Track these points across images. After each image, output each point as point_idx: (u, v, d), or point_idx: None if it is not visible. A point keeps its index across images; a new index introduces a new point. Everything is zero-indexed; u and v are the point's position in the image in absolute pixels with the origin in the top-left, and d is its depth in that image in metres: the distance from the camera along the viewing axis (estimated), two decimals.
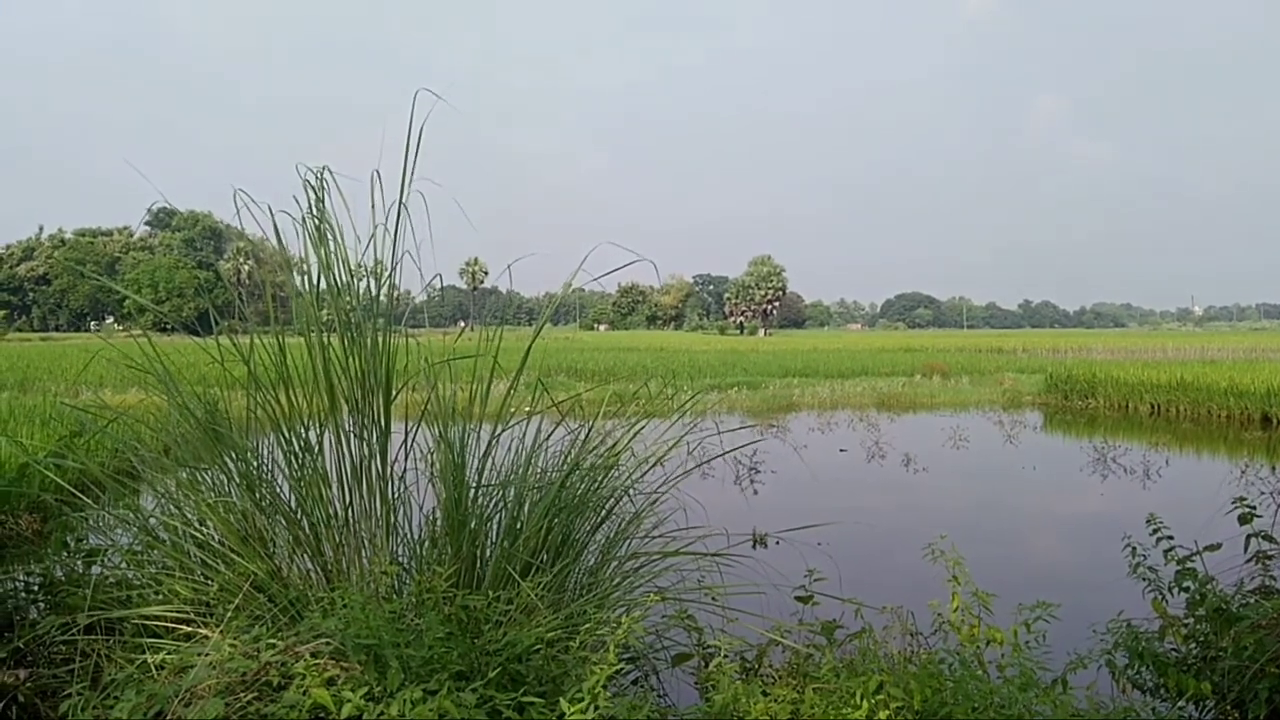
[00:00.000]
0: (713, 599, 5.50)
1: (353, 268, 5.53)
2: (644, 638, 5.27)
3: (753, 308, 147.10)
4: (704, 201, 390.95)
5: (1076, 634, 5.03)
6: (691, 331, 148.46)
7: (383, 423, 5.31)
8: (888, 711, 3.38)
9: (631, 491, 6.06)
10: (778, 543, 8.83)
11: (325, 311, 5.60)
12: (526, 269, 6.16)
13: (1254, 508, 5.43)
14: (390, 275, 5.63)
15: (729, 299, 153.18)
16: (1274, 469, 16.24)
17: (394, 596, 4.63)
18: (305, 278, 5.85)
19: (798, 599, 5.55)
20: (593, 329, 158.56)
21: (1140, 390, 29.86)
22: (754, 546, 9.17)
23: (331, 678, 3.36)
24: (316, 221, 5.34)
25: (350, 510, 5.29)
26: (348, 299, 5.58)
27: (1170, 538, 5.51)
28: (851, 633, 4.79)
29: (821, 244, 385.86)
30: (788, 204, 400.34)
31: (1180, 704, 4.76)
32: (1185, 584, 5.28)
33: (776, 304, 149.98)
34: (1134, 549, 5.57)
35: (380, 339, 5.35)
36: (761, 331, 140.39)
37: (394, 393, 5.43)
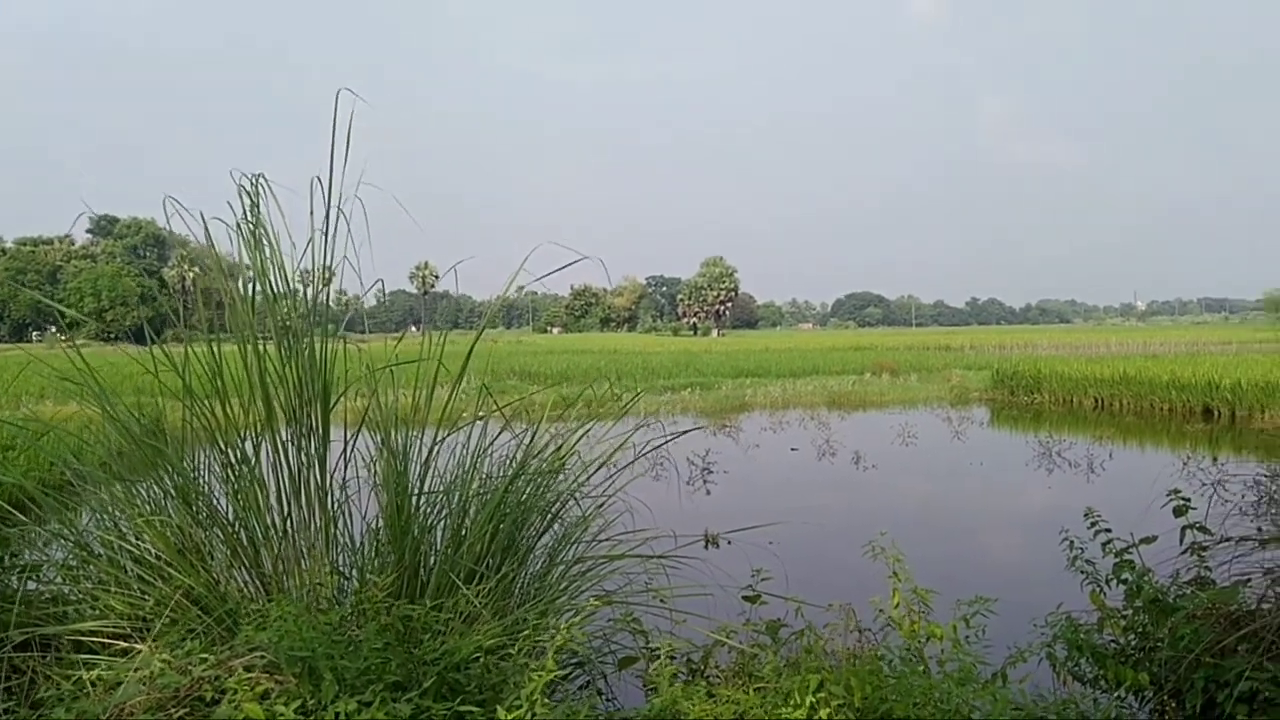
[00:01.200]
0: (661, 601, 5.49)
1: (289, 274, 5.46)
2: (590, 642, 5.26)
3: (705, 309, 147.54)
4: (661, 205, 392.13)
5: (1020, 627, 5.10)
6: (645, 333, 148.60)
7: (321, 431, 5.25)
8: (828, 709, 3.39)
9: (582, 495, 6.04)
10: (729, 543, 8.86)
11: (268, 319, 5.52)
12: (480, 272, 6.13)
13: (1188, 500, 5.53)
14: (328, 281, 5.57)
15: (682, 300, 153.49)
16: (1215, 460, 16.58)
17: (335, 607, 4.58)
18: (245, 285, 5.77)
19: (745, 599, 5.56)
20: (546, 332, 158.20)
21: (1084, 385, 30.36)
22: (706, 547, 9.19)
23: (265, 691, 3.31)
24: (251, 227, 5.27)
25: (289, 521, 5.22)
26: (285, 305, 5.51)
27: (1108, 530, 5.60)
28: (796, 631, 4.81)
29: (773, 245, 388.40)
30: (740, 207, 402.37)
31: (1118, 694, 4.84)
32: (1123, 576, 5.37)
33: (729, 305, 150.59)
34: (1072, 542, 5.65)
35: (318, 346, 5.29)
36: (715, 332, 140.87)
37: (333, 400, 5.37)
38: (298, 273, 5.53)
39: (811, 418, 26.30)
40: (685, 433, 7.60)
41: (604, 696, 5.16)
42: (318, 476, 5.25)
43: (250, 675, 3.41)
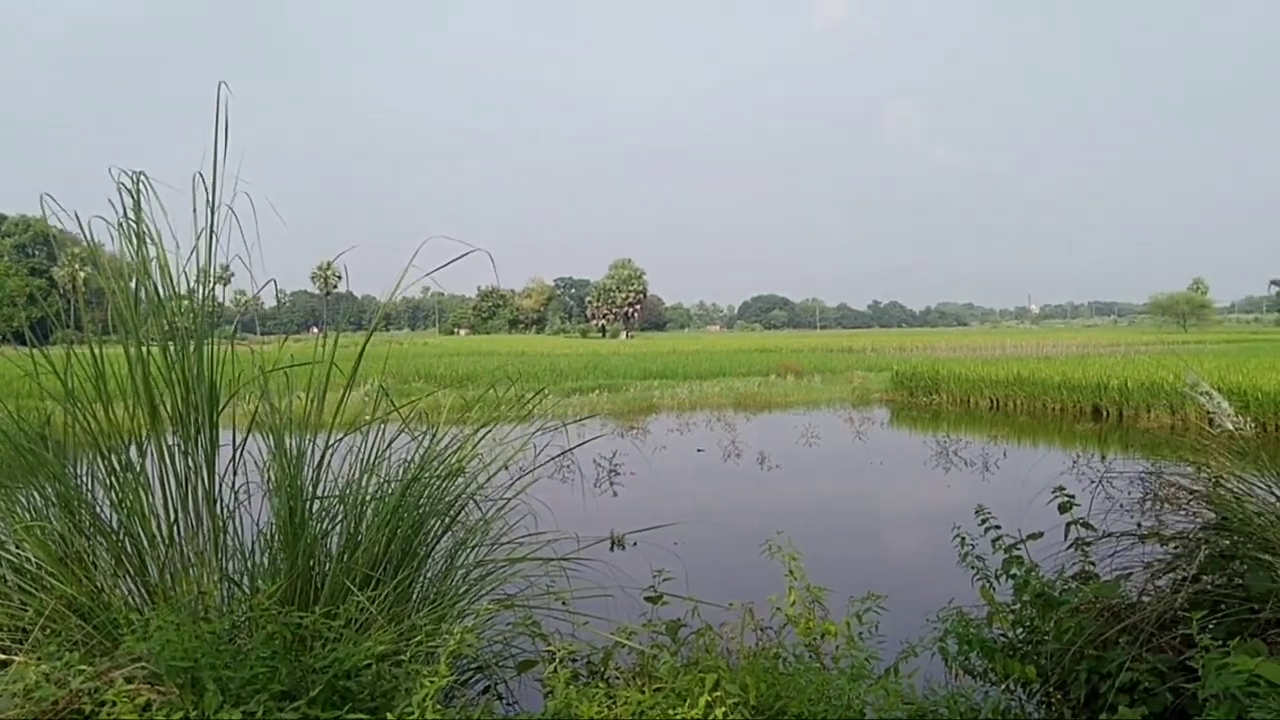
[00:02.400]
0: (563, 604, 5.46)
1: (173, 274, 5.30)
2: (490, 646, 5.21)
3: (614, 310, 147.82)
4: (570, 208, 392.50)
5: (915, 622, 5.21)
6: (553, 335, 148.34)
7: (208, 435, 5.09)
8: (724, 708, 3.41)
9: (484, 498, 5.96)
10: (634, 544, 8.86)
11: (153, 321, 5.34)
12: (387, 274, 5.94)
13: (1073, 496, 5.72)
14: (225, 281, 5.40)
15: (591, 302, 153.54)
16: (1103, 458, 17.19)
17: (223, 615, 4.45)
18: (134, 286, 5.57)
19: (648, 599, 5.57)
20: (453, 334, 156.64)
21: (980, 386, 31.20)
22: (611, 549, 9.18)
23: (146, 703, 3.20)
24: (134, 225, 5.10)
25: (176, 528, 5.06)
26: (171, 306, 5.34)
27: (998, 527, 5.76)
28: (696, 631, 4.83)
29: (682, 248, 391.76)
30: (649, 210, 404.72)
31: (1007, 686, 4.97)
32: (1012, 571, 5.52)
33: (638, 307, 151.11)
34: (963, 539, 5.80)
35: (205, 348, 5.14)
36: (623, 334, 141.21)
37: (222, 404, 5.22)
38: (193, 272, 5.36)
39: (718, 419, 26.53)
40: (589, 441, 7.59)
41: (504, 701, 5.11)
42: (205, 481, 5.10)
43: (131, 686, 3.30)
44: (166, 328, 5.22)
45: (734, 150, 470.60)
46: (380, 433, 5.78)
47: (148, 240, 5.17)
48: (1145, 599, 5.02)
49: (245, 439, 5.42)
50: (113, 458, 5.13)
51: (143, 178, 5.12)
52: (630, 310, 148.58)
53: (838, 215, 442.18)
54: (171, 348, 5.12)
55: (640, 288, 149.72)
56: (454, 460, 5.78)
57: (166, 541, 5.05)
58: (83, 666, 3.44)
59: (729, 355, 54.55)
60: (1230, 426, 5.79)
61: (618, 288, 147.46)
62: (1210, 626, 4.40)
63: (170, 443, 5.11)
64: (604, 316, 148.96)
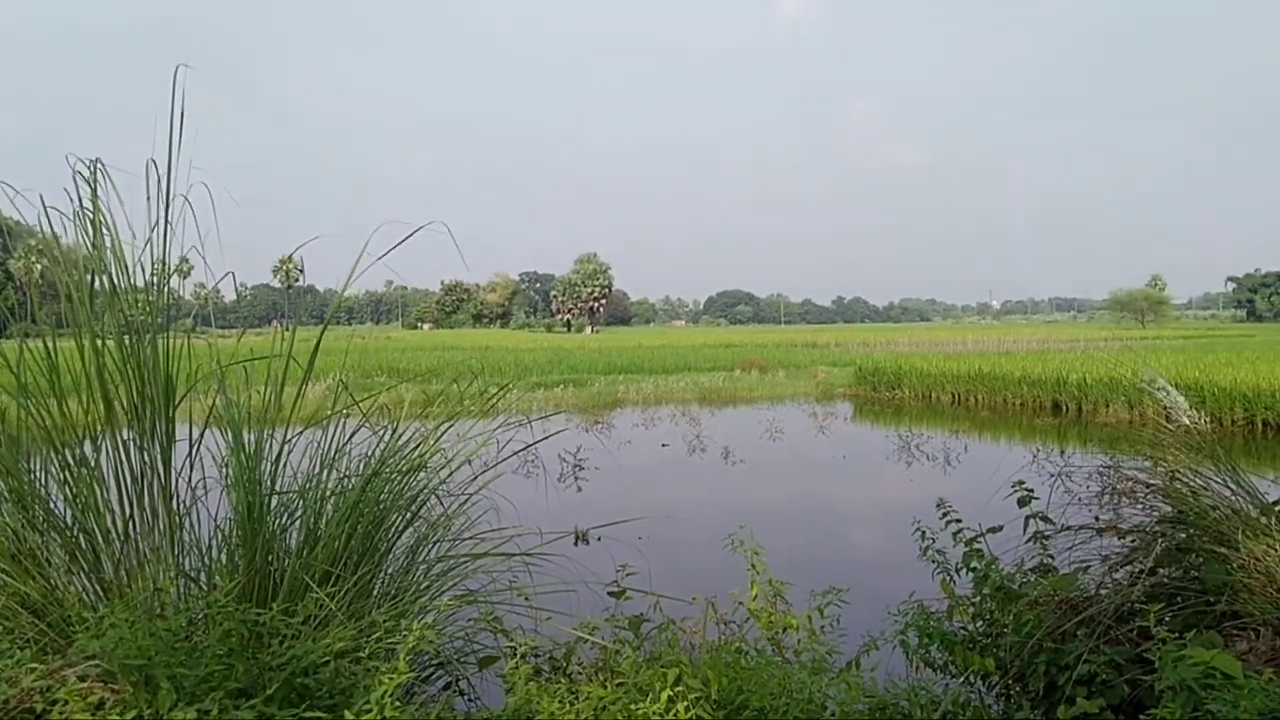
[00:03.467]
0: (525, 600, 5.44)
1: (129, 265, 5.20)
2: (452, 642, 5.17)
3: (579, 305, 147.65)
4: (532, 205, 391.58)
5: (878, 615, 5.24)
6: (518, 329, 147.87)
7: (164, 430, 5.02)
8: (686, 702, 3.41)
9: (446, 493, 5.92)
10: (599, 539, 8.85)
11: (121, 314, 5.25)
12: (348, 267, 5.84)
13: (1032, 490, 5.78)
14: (185, 274, 5.32)
15: (556, 296, 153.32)
16: (1062, 452, 17.39)
17: (179, 612, 4.39)
18: (90, 277, 5.47)
19: (611, 595, 5.56)
20: (416, 328, 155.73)
21: (942, 381, 31.45)
22: (575, 544, 9.16)
23: (99, 701, 3.15)
24: (90, 215, 5.00)
25: (131, 524, 4.98)
26: (127, 299, 5.25)
27: (959, 520, 5.80)
28: (659, 625, 4.83)
29: (648, 243, 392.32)
30: (618, 204, 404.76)
31: (966, 679, 5.01)
32: (972, 565, 5.56)
33: (603, 301, 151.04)
34: (924, 533, 5.84)
35: (161, 341, 5.06)
36: (589, 329, 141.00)
37: (178, 398, 5.14)
38: (148, 264, 5.26)
39: (682, 414, 26.57)
40: (554, 434, 7.56)
41: (465, 697, 5.08)
42: (161, 477, 5.02)
43: (84, 684, 3.24)
44: (122, 320, 5.14)
45: (698, 147, 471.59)
46: (341, 427, 5.72)
47: (104, 230, 5.08)
48: (1103, 592, 5.08)
49: (202, 434, 5.35)
50: (67, 452, 5.05)
51: (99, 165, 5.03)
52: (595, 305, 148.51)
53: (802, 211, 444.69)
54: (127, 341, 5.03)
55: (606, 282, 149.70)
56: (416, 455, 5.73)
57: (121, 537, 4.97)
58: (34, 664, 3.38)
59: (694, 350, 54.69)
60: (1186, 421, 5.87)
61: (583, 282, 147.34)
62: (1167, 619, 4.46)
63: (125, 437, 5.03)
64: (569, 311, 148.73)
